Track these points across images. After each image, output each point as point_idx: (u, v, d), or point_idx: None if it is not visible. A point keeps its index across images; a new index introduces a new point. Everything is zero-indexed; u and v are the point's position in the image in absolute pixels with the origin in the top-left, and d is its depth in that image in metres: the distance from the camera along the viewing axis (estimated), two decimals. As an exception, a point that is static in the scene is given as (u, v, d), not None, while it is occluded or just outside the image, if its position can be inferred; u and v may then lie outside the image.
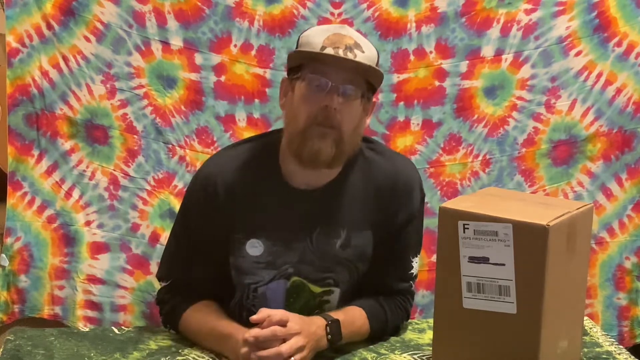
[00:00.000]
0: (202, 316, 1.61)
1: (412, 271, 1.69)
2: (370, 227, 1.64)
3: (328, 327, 1.52)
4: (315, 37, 1.54)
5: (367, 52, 1.54)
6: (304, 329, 1.47)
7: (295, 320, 1.47)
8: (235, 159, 1.65)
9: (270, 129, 2.18)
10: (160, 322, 1.70)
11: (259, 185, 1.62)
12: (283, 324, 1.45)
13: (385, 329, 1.65)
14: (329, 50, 1.51)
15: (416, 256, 1.70)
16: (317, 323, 1.52)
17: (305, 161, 1.56)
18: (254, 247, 1.62)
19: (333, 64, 1.52)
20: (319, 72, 1.52)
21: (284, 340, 1.44)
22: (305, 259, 1.62)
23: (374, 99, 1.63)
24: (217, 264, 1.65)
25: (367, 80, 1.56)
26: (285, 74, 1.64)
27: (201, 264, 1.65)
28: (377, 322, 1.63)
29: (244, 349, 1.44)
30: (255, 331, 1.45)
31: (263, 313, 1.46)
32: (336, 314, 1.56)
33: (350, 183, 1.63)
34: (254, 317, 1.46)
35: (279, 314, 1.46)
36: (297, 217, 1.61)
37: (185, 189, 2.22)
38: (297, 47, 1.59)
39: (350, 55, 1.51)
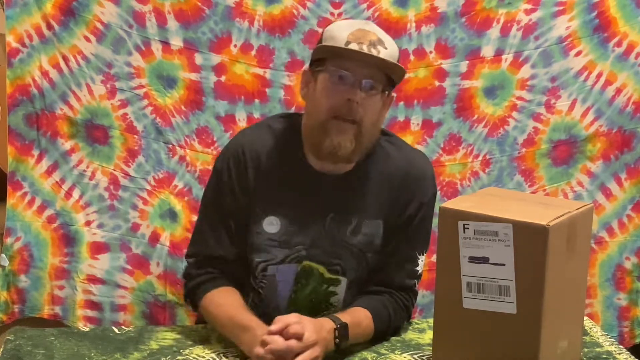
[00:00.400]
0: (225, 301, 1.61)
1: (417, 268, 1.70)
2: (382, 217, 1.65)
3: (336, 331, 1.52)
4: (340, 31, 1.56)
5: (389, 49, 1.56)
6: (319, 339, 1.47)
7: (311, 330, 1.46)
8: (263, 135, 1.67)
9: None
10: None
11: (283, 164, 1.64)
12: (299, 337, 1.44)
13: (387, 330, 1.66)
14: (353, 46, 1.52)
15: (423, 254, 1.71)
16: (326, 327, 1.51)
17: (323, 156, 1.58)
18: (271, 225, 1.63)
19: (357, 59, 1.53)
20: (342, 67, 1.54)
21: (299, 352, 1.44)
22: (317, 243, 1.64)
23: (393, 93, 1.64)
24: (243, 240, 1.66)
25: (388, 75, 1.57)
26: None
27: (228, 240, 1.65)
28: (381, 323, 1.63)
29: (259, 350, 1.44)
30: (272, 342, 1.43)
31: (280, 323, 1.45)
32: (343, 316, 1.56)
33: (366, 173, 1.65)
34: (272, 328, 1.45)
35: (294, 325, 1.44)
36: (315, 199, 1.63)
37: (185, 189, 2.24)
38: (320, 41, 1.60)
39: (374, 52, 1.53)
